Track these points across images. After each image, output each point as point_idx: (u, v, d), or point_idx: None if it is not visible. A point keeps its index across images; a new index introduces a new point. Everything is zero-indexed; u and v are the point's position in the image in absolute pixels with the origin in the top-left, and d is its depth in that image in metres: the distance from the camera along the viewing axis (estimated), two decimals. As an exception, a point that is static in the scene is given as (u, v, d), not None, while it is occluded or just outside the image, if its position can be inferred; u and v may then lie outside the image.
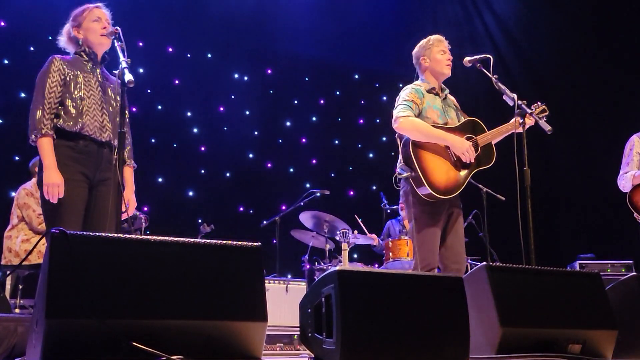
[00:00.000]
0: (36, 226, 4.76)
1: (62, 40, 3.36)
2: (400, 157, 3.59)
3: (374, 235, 6.41)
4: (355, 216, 5.92)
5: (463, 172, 3.54)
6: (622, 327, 2.73)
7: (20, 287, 4.75)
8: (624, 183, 4.43)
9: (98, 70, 3.32)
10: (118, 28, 3.14)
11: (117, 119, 3.06)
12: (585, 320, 2.66)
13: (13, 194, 5.70)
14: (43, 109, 3.06)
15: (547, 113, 3.61)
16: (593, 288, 2.79)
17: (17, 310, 4.65)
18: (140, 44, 7.46)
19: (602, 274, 2.91)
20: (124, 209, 3.14)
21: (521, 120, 3.42)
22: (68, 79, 3.16)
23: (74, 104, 3.14)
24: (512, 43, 8.23)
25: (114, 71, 3.21)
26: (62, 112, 3.12)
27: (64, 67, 3.18)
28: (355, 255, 7.63)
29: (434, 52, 3.70)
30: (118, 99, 3.23)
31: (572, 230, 7.89)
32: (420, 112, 3.60)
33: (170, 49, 7.86)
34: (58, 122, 3.10)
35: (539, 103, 3.62)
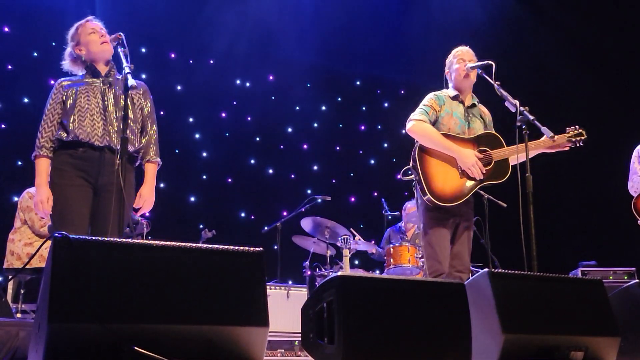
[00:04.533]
0: (38, 229, 4.78)
1: (66, 64, 3.47)
2: (410, 160, 3.65)
3: (373, 246, 6.41)
4: (351, 229, 5.92)
5: (470, 183, 3.54)
6: (624, 334, 2.73)
7: (22, 291, 4.75)
8: (637, 186, 4.37)
9: (102, 80, 3.36)
10: (121, 34, 3.19)
11: (128, 125, 3.17)
12: (587, 327, 2.66)
13: (16, 198, 5.71)
14: (42, 132, 3.27)
15: (584, 137, 3.66)
16: (595, 295, 2.79)
17: (18, 315, 4.65)
18: (143, 50, 7.49)
19: (605, 281, 2.90)
20: (138, 205, 3.29)
21: (523, 126, 3.42)
22: (66, 95, 3.29)
23: (69, 116, 3.24)
24: (515, 47, 8.24)
25: (118, 76, 3.26)
26: (61, 125, 3.25)
27: (65, 87, 3.33)
28: (357, 262, 7.62)
29: (454, 62, 3.81)
30: (135, 102, 3.42)
31: (574, 237, 7.88)
32: (437, 118, 3.67)
33: (173, 55, 7.89)
34: (58, 134, 3.24)
35: (577, 127, 3.67)
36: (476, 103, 3.86)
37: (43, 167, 3.22)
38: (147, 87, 3.59)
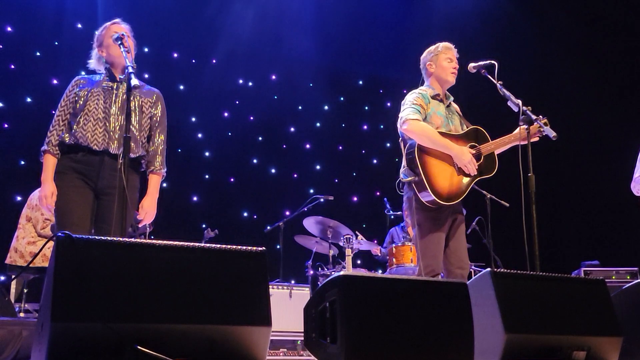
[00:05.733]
0: (39, 229, 4.79)
1: (92, 63, 3.49)
2: (404, 161, 3.59)
3: (377, 248, 6.42)
4: (357, 232, 5.93)
5: (466, 180, 3.54)
6: (626, 334, 2.72)
7: (25, 291, 4.77)
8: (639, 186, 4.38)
9: (116, 84, 3.36)
10: (124, 34, 3.18)
11: (134, 130, 3.24)
12: (589, 326, 2.66)
13: (19, 197, 5.72)
14: (50, 128, 3.29)
15: (547, 126, 3.62)
16: (598, 295, 2.78)
17: (21, 314, 4.67)
18: (146, 49, 7.50)
19: (607, 280, 2.89)
20: (140, 217, 3.30)
21: (526, 127, 3.42)
22: (79, 96, 3.30)
23: (74, 118, 3.26)
24: (516, 47, 8.23)
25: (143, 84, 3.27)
26: (68, 127, 3.27)
27: (79, 85, 3.35)
28: (359, 261, 7.63)
29: (441, 59, 3.71)
30: (144, 110, 3.42)
31: (576, 236, 7.88)
32: (425, 117, 3.60)
33: (175, 55, 7.91)
34: (62, 136, 3.26)
35: (541, 116, 3.64)
36: (451, 101, 3.84)
37: (49, 163, 3.24)
38: (160, 92, 3.57)
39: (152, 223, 5.36)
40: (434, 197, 3.40)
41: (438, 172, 3.48)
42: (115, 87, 3.35)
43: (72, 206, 3.15)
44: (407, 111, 3.55)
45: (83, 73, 3.54)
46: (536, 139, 3.61)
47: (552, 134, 3.46)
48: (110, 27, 3.42)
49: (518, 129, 3.55)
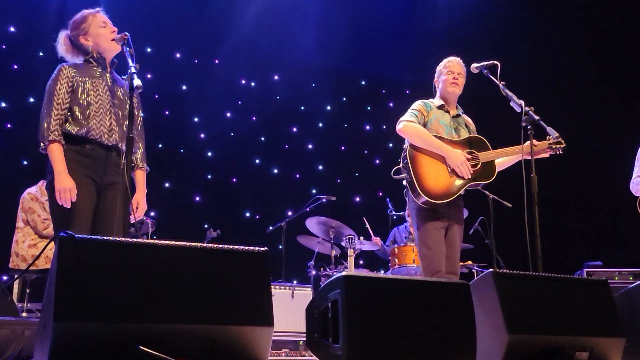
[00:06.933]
0: (41, 231, 4.76)
1: (62, 49, 3.38)
2: (401, 160, 3.70)
3: (377, 239, 6.41)
4: (364, 219, 5.98)
5: (458, 182, 3.61)
6: (629, 335, 2.72)
7: (28, 290, 4.76)
8: (637, 187, 4.38)
9: (107, 75, 3.32)
10: (127, 34, 3.17)
11: (126, 123, 3.07)
12: (592, 327, 2.65)
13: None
14: (51, 116, 3.10)
15: (562, 145, 3.63)
16: (600, 295, 2.78)
17: (24, 314, 4.67)
18: (148, 49, 7.51)
19: (610, 281, 2.89)
20: (134, 213, 3.20)
21: (528, 126, 3.42)
22: (76, 85, 3.19)
23: (81, 109, 3.16)
24: (518, 47, 8.22)
25: (123, 77, 3.25)
26: (70, 118, 3.15)
27: (72, 74, 3.22)
28: (361, 262, 7.62)
29: (443, 72, 3.88)
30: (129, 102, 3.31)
31: (579, 237, 7.86)
32: (426, 123, 3.75)
33: (178, 55, 7.90)
34: (65, 127, 3.13)
35: (557, 134, 3.68)
36: (460, 113, 3.94)
37: (60, 152, 3.05)
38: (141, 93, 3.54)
39: (154, 222, 5.39)
40: (423, 195, 3.50)
41: (429, 172, 3.58)
42: (108, 79, 3.30)
43: (79, 206, 3.05)
44: (405, 115, 3.76)
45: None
46: (546, 155, 3.67)
47: (554, 134, 3.48)
48: (97, 15, 3.34)
49: (527, 143, 3.53)
